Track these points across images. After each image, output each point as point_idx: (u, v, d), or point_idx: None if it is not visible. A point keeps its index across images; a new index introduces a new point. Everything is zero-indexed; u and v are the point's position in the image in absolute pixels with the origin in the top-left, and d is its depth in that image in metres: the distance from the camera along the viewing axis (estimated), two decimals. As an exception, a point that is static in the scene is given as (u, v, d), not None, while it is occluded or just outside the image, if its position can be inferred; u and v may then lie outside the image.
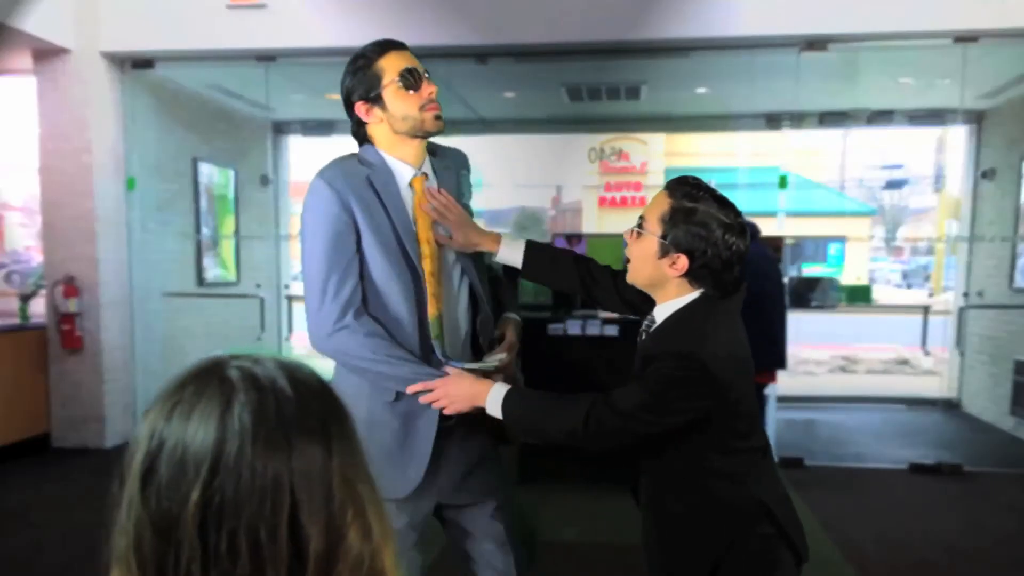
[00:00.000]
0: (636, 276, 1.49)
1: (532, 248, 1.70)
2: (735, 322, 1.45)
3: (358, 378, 1.57)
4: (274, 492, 0.52)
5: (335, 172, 1.57)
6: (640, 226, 1.45)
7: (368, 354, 1.52)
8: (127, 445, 0.56)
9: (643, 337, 1.52)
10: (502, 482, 1.79)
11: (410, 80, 1.59)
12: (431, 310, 1.60)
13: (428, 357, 1.61)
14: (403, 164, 1.63)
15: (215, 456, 0.52)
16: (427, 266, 1.60)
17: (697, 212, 1.38)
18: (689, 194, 1.40)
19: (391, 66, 1.59)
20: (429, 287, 1.60)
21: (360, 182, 1.57)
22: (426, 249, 1.61)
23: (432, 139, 1.70)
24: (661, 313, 1.47)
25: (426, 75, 1.62)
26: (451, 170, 1.73)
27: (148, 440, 0.54)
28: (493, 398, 1.48)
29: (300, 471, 0.54)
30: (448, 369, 1.57)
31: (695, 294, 1.44)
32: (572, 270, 1.70)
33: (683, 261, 1.39)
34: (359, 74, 1.60)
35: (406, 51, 1.62)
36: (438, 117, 1.60)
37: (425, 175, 1.65)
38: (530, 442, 1.77)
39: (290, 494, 0.53)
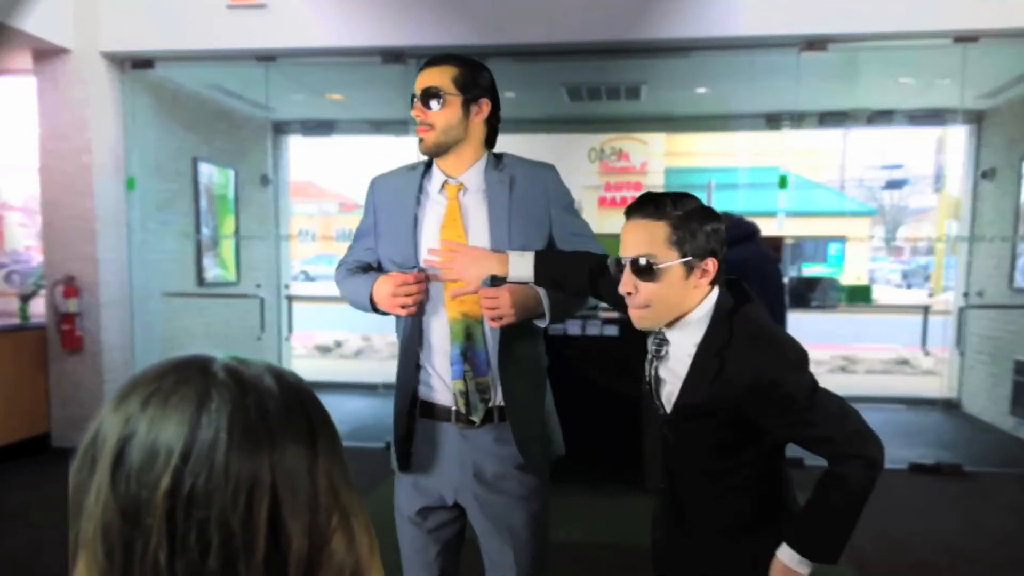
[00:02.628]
0: (661, 315, 1.38)
1: (541, 255, 1.64)
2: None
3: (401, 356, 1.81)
4: (251, 486, 0.51)
5: (384, 177, 1.81)
6: (650, 267, 1.34)
7: (337, 279, 1.83)
8: (100, 429, 0.55)
9: (658, 360, 1.45)
10: (534, 528, 1.73)
11: (411, 103, 1.70)
12: (451, 313, 1.67)
13: (416, 351, 1.70)
14: (439, 172, 1.73)
15: (188, 443, 0.51)
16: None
17: (691, 213, 1.34)
18: (663, 206, 1.35)
19: None
20: (446, 289, 1.66)
21: (401, 185, 1.76)
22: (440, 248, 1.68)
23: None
24: (681, 335, 1.40)
25: (432, 97, 1.65)
26: (504, 184, 1.69)
27: (122, 425, 0.53)
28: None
29: (283, 468, 0.52)
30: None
31: (707, 303, 1.38)
32: (582, 266, 1.62)
33: (712, 262, 1.35)
34: None
35: (428, 69, 1.68)
36: (420, 140, 1.70)
37: (461, 185, 1.69)
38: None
39: (271, 490, 0.52)
